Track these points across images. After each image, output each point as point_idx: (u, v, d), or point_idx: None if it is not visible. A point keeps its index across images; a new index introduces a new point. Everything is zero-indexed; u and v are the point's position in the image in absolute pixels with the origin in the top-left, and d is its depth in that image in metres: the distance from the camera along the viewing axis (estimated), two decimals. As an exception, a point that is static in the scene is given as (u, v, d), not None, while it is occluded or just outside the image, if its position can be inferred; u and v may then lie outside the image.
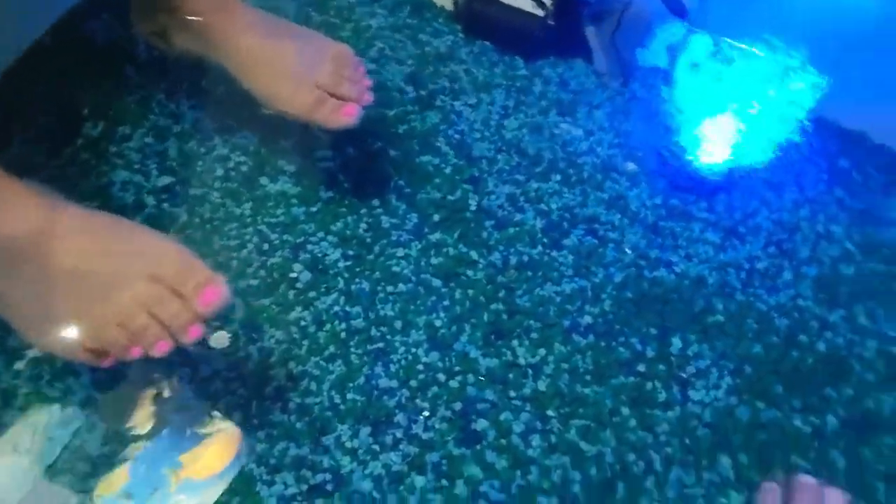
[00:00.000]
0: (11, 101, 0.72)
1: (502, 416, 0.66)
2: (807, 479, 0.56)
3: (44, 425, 0.62)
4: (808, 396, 0.71)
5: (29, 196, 0.54)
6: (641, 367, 0.71)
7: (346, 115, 0.68)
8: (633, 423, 0.68)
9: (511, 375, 0.69)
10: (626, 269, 0.77)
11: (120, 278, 0.53)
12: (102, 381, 0.63)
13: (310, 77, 0.68)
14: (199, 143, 0.76)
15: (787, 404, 0.71)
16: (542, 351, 0.70)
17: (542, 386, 0.68)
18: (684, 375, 0.71)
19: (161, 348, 0.53)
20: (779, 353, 0.74)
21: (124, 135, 0.74)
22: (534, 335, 0.71)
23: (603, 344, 0.72)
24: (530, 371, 0.69)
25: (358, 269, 0.72)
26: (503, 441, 0.65)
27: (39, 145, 0.72)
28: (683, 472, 0.66)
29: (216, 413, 0.63)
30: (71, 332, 0.54)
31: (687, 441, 0.68)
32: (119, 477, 0.60)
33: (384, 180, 0.78)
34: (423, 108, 0.85)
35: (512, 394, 0.68)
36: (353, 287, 0.71)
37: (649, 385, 0.70)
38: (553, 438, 0.66)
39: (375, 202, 0.77)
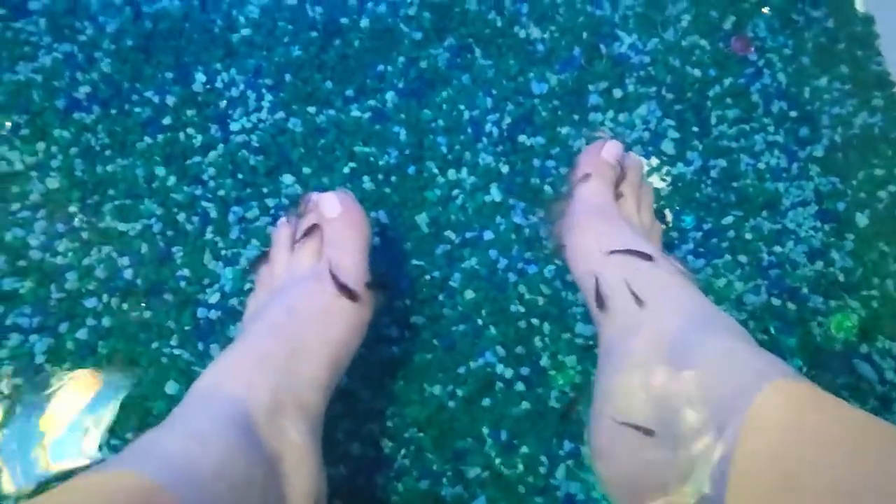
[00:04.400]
0: None
1: (6, 238, 0.58)
2: (308, 195, 0.55)
3: None
4: (362, 81, 0.69)
5: None
6: (167, 120, 0.64)
7: None
8: (172, 180, 0.62)
9: (14, 188, 0.60)
10: (120, 14, 0.67)
11: None
12: None
13: None
14: None
15: (341, 98, 0.68)
16: (41, 145, 0.61)
17: (53, 184, 0.60)
18: (218, 110, 0.65)
19: None
20: (320, 47, 0.69)
21: None
22: (24, 132, 0.61)
23: (114, 111, 0.63)
24: (34, 174, 0.60)
25: None
26: (20, 263, 0.58)
27: None
28: (242, 208, 0.63)
29: (58, 369, 0.57)
30: None
31: (241, 176, 0.64)
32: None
33: None
34: None
35: (14, 208, 0.59)
36: None
37: (181, 135, 0.64)
38: (84, 234, 0.60)
39: None
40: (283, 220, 0.55)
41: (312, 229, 0.53)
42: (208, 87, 0.66)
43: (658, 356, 0.42)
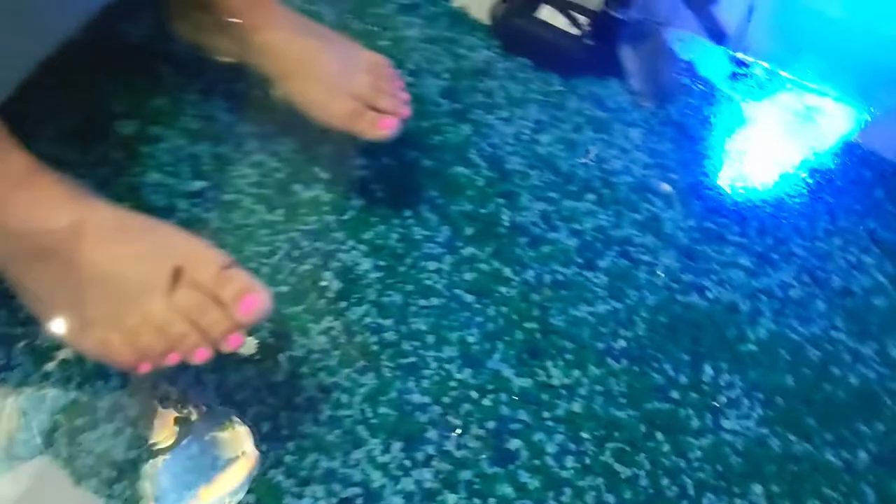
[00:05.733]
0: (43, 98, 0.75)
1: (535, 437, 0.69)
2: None
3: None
4: (840, 430, 0.75)
5: (61, 190, 0.56)
6: (674, 394, 0.74)
7: (384, 128, 0.72)
8: (666, 448, 0.71)
9: (545, 396, 0.72)
10: (659, 293, 0.81)
11: (154, 282, 0.56)
12: (132, 386, 0.66)
13: (346, 86, 0.72)
14: (233, 147, 0.79)
15: (819, 437, 0.74)
16: (576, 373, 0.74)
17: (576, 408, 0.72)
18: (716, 404, 0.74)
19: (200, 356, 0.56)
20: (811, 385, 0.77)
21: (157, 135, 0.77)
22: (568, 356, 0.75)
23: (636, 368, 0.75)
24: (564, 392, 0.73)
25: (389, 281, 0.75)
26: (536, 461, 0.68)
27: (69, 144, 0.75)
28: (716, 497, 0.69)
29: (235, 419, 0.66)
30: (104, 335, 0.57)
31: (719, 468, 0.71)
32: (146, 490, 0.63)
33: (417, 191, 0.82)
34: (457, 120, 0.89)
35: (545, 414, 0.71)
36: (384, 298, 0.74)
37: (682, 412, 0.73)
38: (587, 460, 0.69)
39: (408, 213, 0.80)
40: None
41: None
42: (713, 380, 0.76)
43: None
